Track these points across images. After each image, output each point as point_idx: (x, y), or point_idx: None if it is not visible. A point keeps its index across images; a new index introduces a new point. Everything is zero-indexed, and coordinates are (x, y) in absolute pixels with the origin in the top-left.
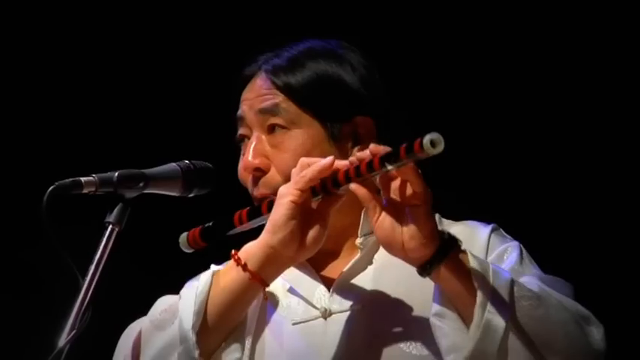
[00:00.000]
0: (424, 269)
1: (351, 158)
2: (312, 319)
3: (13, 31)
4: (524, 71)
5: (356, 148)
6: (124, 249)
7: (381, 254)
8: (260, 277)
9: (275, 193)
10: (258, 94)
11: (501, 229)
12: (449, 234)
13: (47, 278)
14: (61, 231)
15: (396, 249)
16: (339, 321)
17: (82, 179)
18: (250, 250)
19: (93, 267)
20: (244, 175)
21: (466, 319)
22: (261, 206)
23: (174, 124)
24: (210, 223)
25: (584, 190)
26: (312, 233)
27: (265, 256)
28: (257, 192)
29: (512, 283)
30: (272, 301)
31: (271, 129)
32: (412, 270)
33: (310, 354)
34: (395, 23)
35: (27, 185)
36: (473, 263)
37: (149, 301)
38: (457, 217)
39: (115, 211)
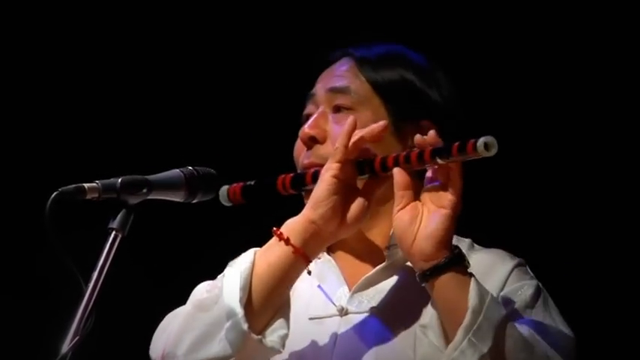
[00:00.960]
0: (424, 275)
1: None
2: (329, 317)
3: (19, 37)
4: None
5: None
6: (127, 255)
7: (407, 268)
8: (303, 251)
9: (323, 166)
10: (335, 74)
11: (527, 267)
12: (459, 250)
13: (51, 284)
14: (64, 237)
15: (406, 244)
16: (353, 321)
17: (86, 185)
18: (292, 226)
19: (96, 273)
20: (299, 147)
21: (448, 337)
22: (306, 175)
23: (178, 130)
24: (253, 182)
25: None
26: (354, 210)
27: (307, 232)
28: (306, 160)
29: (506, 320)
30: (297, 294)
31: (337, 109)
32: None
33: (321, 350)
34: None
35: (30, 191)
36: (473, 287)
37: (152, 307)
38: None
39: (118, 217)
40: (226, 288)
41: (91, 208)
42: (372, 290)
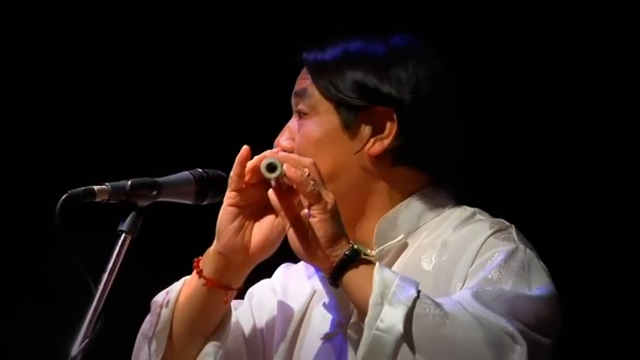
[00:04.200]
0: (330, 281)
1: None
2: (335, 333)
3: (28, 41)
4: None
5: (373, 139)
6: (137, 257)
7: (399, 265)
8: (217, 282)
9: None
10: (300, 78)
11: (511, 230)
12: (353, 246)
13: (60, 287)
14: (73, 239)
15: (305, 259)
16: (355, 333)
17: (95, 188)
18: (205, 257)
19: (106, 275)
20: None
21: None
22: None
23: (187, 132)
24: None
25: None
26: (262, 233)
27: (218, 262)
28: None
29: (415, 300)
30: (309, 312)
31: (299, 114)
32: (432, 282)
33: None
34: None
35: (40, 194)
36: (375, 278)
37: None
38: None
39: (128, 219)
40: (151, 319)
41: (100, 210)
42: None
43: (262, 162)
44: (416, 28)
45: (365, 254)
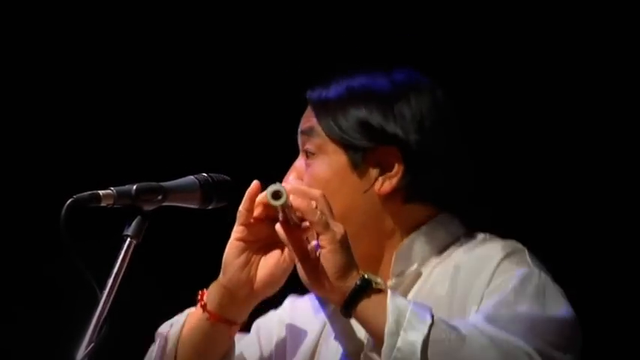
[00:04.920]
0: (342, 312)
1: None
2: (355, 355)
3: (33, 45)
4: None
5: (381, 177)
6: (142, 262)
7: (414, 293)
8: (220, 316)
9: None
10: (305, 115)
11: (522, 252)
12: (364, 276)
13: (66, 291)
14: (79, 244)
15: (317, 292)
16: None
17: (101, 192)
18: (210, 290)
19: (111, 280)
20: None
21: None
22: None
23: (192, 137)
24: None
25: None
26: (268, 268)
27: (222, 297)
28: None
29: (431, 326)
30: (320, 345)
31: (306, 154)
32: (447, 306)
33: None
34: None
35: (46, 198)
36: (389, 305)
37: (167, 315)
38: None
39: (133, 223)
40: (155, 353)
41: (106, 215)
42: None
43: (267, 189)
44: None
45: (376, 283)
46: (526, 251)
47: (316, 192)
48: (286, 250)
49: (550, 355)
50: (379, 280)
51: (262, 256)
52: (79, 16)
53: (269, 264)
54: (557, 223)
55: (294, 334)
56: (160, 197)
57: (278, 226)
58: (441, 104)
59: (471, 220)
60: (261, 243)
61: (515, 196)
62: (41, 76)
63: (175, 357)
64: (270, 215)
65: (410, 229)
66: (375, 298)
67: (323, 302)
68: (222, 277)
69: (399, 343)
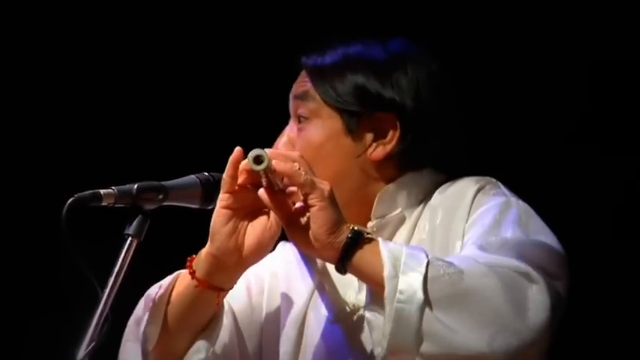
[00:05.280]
0: (337, 269)
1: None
2: (346, 317)
3: (33, 45)
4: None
5: (375, 143)
6: (143, 261)
7: (397, 238)
8: (208, 283)
9: None
10: (299, 81)
11: (496, 185)
12: (354, 228)
13: (67, 290)
14: (80, 243)
15: (309, 251)
16: (366, 315)
17: (102, 191)
18: (198, 258)
19: (112, 279)
20: None
21: None
22: None
23: (193, 136)
24: None
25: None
26: (255, 235)
27: (210, 264)
28: None
29: (427, 264)
30: (314, 301)
31: (299, 119)
32: (429, 247)
33: (345, 351)
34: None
35: (46, 198)
36: (383, 252)
37: None
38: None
39: (135, 223)
40: (141, 313)
41: (107, 214)
42: None
43: (249, 154)
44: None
45: (367, 233)
46: (500, 183)
47: (295, 154)
48: (272, 215)
49: (546, 271)
50: (369, 230)
51: (249, 222)
52: (80, 16)
53: (256, 230)
54: (555, 199)
55: (288, 284)
56: (161, 196)
57: (261, 192)
58: (437, 74)
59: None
60: (247, 210)
61: (506, 169)
62: (43, 76)
63: (164, 319)
64: (254, 182)
65: None
66: (368, 248)
67: (310, 266)
68: (209, 246)
69: (400, 286)
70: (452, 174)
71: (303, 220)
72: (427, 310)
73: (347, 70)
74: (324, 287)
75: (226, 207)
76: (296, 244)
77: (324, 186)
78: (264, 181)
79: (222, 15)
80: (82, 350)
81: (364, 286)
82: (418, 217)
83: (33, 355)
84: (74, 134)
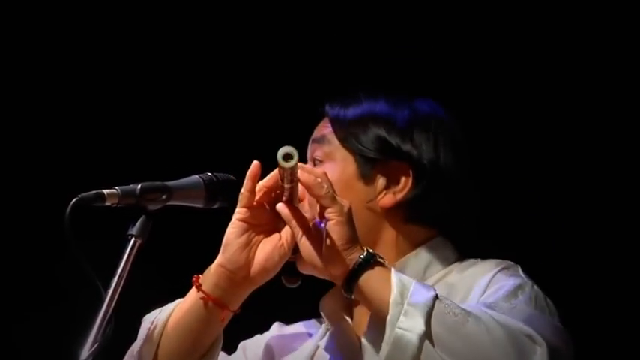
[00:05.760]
0: (347, 284)
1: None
2: None
3: (35, 44)
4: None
5: (385, 190)
6: (146, 261)
7: None
8: (215, 298)
9: None
10: (318, 127)
11: (517, 268)
12: (368, 250)
13: (70, 290)
14: (83, 243)
15: (319, 269)
16: (362, 342)
17: (105, 192)
18: (207, 271)
19: (115, 279)
20: None
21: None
22: None
23: (197, 136)
24: None
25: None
26: (265, 253)
27: (219, 277)
28: None
29: (435, 299)
30: (319, 354)
31: (313, 162)
32: None
33: None
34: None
35: (50, 198)
36: (393, 279)
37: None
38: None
39: (138, 223)
40: (138, 338)
41: (110, 214)
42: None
43: (279, 151)
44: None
45: (380, 257)
46: (519, 267)
47: (319, 170)
48: (284, 235)
49: (549, 340)
50: (382, 255)
51: (262, 240)
52: (82, 14)
53: (267, 248)
54: (556, 262)
55: (283, 356)
56: (164, 197)
57: (280, 205)
58: (458, 138)
59: (467, 249)
60: (261, 228)
61: (515, 234)
62: (47, 75)
63: (159, 344)
64: (270, 201)
65: (406, 249)
66: (378, 271)
67: (306, 338)
68: (220, 257)
69: (404, 313)
70: (464, 249)
71: (318, 235)
72: (427, 342)
73: (371, 123)
74: (332, 342)
75: (242, 220)
76: (309, 258)
77: (344, 203)
78: (285, 195)
79: (226, 16)
80: (86, 351)
81: (367, 350)
82: None
83: (36, 355)
84: (78, 134)
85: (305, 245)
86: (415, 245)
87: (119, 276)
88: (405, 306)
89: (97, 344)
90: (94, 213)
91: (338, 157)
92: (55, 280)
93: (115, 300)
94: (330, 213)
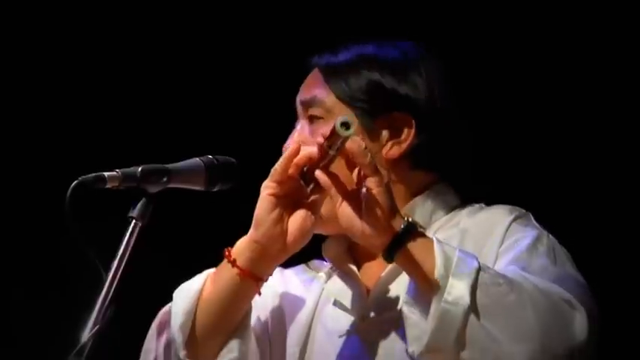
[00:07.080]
0: (385, 256)
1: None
2: (354, 329)
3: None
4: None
5: (390, 142)
6: (147, 243)
7: None
8: (250, 272)
9: None
10: (306, 86)
11: (530, 217)
12: (409, 219)
13: (70, 273)
14: (84, 226)
15: (357, 237)
16: (376, 329)
17: (106, 174)
18: (239, 246)
19: (116, 262)
20: None
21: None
22: None
23: (197, 119)
24: None
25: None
26: (298, 224)
27: (253, 252)
28: None
29: (479, 270)
30: (320, 312)
31: (311, 119)
32: None
33: None
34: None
35: (51, 181)
36: (437, 251)
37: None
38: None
39: (139, 205)
40: (174, 312)
41: (111, 196)
42: (388, 290)
43: (337, 120)
44: (416, 29)
45: (421, 227)
46: (531, 215)
47: (361, 142)
48: (313, 203)
49: (585, 302)
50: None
51: (290, 211)
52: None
53: (298, 219)
54: (554, 208)
55: (290, 301)
56: (165, 179)
57: (319, 172)
58: (447, 77)
59: (466, 193)
60: (289, 200)
61: (512, 177)
62: (45, 62)
63: (194, 317)
64: (301, 174)
65: (413, 194)
66: (420, 241)
67: (312, 283)
68: (253, 233)
69: (449, 287)
70: (464, 193)
71: (357, 203)
72: (472, 316)
73: (362, 68)
74: (328, 301)
75: (273, 194)
76: (349, 224)
77: (384, 172)
78: (324, 162)
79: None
80: (86, 334)
81: (373, 295)
82: (441, 236)
83: (37, 338)
84: (79, 117)
85: (344, 212)
86: (419, 191)
87: (120, 258)
88: (450, 279)
89: (97, 327)
90: (95, 195)
91: (337, 112)
92: (56, 263)
93: (115, 283)
94: (371, 182)
